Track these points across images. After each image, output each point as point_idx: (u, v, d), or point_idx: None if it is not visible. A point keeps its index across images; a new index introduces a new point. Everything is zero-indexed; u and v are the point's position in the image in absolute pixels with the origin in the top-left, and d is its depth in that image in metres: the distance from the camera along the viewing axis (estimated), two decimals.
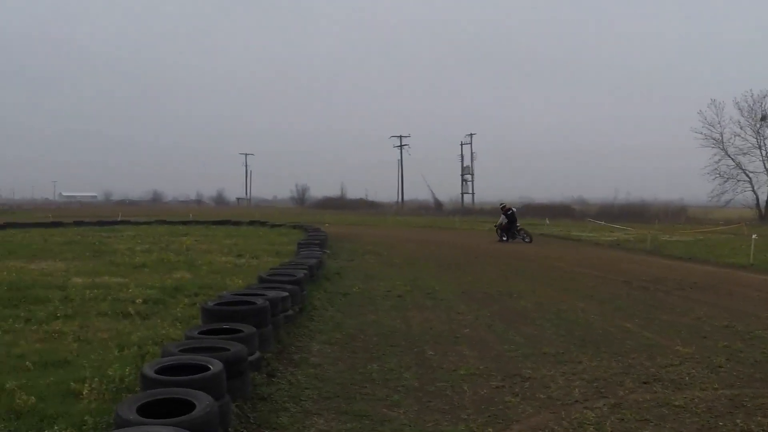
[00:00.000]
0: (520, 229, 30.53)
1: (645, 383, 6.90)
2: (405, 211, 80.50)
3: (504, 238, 30.35)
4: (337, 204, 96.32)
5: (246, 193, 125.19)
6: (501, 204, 32.02)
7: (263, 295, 8.54)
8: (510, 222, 30.52)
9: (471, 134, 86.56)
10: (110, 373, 6.29)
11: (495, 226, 32.25)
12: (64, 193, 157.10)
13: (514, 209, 31.86)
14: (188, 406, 4.35)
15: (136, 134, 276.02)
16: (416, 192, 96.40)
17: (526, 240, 29.79)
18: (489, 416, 5.87)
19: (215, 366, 5.10)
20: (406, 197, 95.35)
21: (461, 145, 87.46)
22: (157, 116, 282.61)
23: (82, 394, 5.81)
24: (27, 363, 7.00)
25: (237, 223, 42.76)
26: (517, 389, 6.68)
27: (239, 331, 6.63)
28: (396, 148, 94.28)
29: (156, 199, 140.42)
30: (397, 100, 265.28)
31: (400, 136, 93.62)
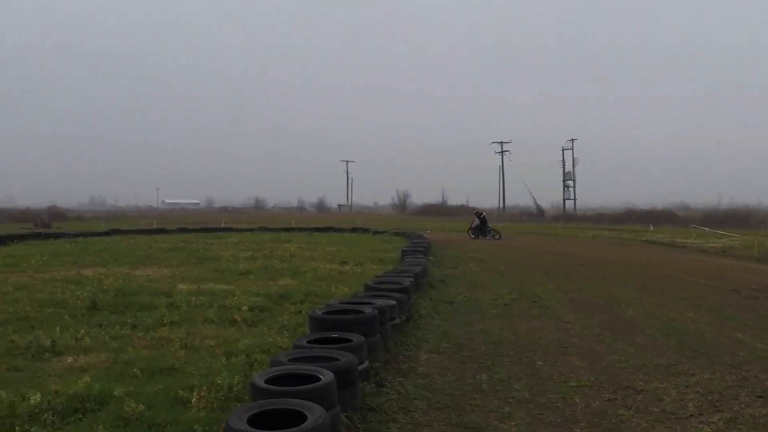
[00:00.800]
0: (490, 229, 37.31)
1: (760, 397, 6.60)
2: (506, 217, 79.16)
3: (476, 236, 36.64)
4: (438, 210, 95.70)
5: (347, 200, 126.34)
6: (475, 210, 42.61)
7: (371, 303, 8.43)
8: (482, 223, 37.37)
9: (572, 139, 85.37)
10: (218, 381, 6.22)
11: (470, 226, 38.55)
12: (167, 200, 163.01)
13: (484, 213, 39.24)
14: (299, 417, 4.26)
15: (238, 143, 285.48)
16: (517, 198, 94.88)
17: (496, 237, 36.21)
18: (602, 430, 5.70)
19: (326, 376, 5.00)
20: (507, 203, 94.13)
21: (562, 150, 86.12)
22: (259, 126, 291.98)
23: (191, 403, 5.76)
24: (135, 370, 7.08)
25: (339, 230, 43.16)
26: (629, 402, 6.47)
27: (348, 340, 6.50)
28: (497, 154, 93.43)
29: (258, 206, 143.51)
30: (498, 105, 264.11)
31: (501, 142, 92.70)
